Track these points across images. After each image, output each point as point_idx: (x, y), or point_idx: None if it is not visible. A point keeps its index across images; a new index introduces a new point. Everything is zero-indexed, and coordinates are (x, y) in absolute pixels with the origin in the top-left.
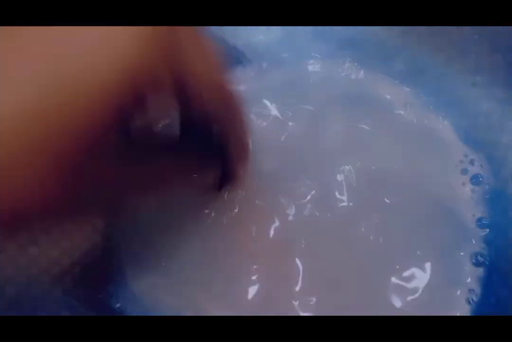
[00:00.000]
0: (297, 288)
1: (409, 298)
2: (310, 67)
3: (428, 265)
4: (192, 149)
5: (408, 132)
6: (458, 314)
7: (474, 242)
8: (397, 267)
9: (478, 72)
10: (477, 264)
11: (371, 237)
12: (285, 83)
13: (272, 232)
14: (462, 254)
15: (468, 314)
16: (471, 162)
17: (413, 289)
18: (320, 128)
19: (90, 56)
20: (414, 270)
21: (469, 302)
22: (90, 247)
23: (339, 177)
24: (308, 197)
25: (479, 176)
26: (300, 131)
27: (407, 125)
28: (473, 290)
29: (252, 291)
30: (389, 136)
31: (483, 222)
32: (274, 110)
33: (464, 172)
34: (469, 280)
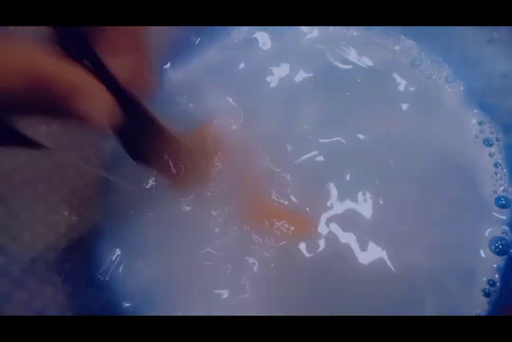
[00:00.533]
0: None
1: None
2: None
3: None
4: None
5: (413, 93)
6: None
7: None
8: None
9: (495, 27)
10: None
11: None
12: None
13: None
14: None
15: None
16: (483, 130)
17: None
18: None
19: None
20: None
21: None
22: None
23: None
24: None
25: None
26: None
27: (412, 85)
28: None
29: None
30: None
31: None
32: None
33: (478, 139)
34: None
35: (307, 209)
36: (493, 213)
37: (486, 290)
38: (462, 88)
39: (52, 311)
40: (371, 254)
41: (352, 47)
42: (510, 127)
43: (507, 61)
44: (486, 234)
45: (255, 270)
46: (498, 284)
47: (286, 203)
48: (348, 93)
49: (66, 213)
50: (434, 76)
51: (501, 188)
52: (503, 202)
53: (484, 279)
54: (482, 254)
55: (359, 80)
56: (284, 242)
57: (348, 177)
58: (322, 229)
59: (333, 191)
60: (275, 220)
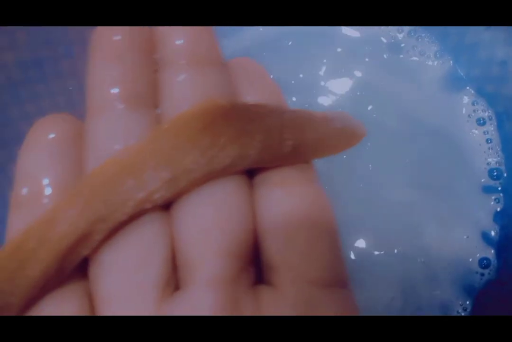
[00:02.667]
0: None
1: None
2: None
3: None
4: None
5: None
6: None
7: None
8: None
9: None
10: None
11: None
12: None
13: None
14: None
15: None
16: (483, 119)
17: None
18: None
19: None
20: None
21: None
22: None
23: None
24: None
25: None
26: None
27: (408, 72)
28: None
29: None
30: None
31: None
32: None
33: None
34: None
35: None
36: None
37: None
38: (459, 71)
39: None
40: (363, 225)
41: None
42: (508, 114)
43: (506, 47)
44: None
45: None
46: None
47: None
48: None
49: None
50: (426, 55)
51: (494, 160)
52: (496, 174)
53: (478, 255)
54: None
55: (367, 59)
56: None
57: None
58: None
59: None
60: None
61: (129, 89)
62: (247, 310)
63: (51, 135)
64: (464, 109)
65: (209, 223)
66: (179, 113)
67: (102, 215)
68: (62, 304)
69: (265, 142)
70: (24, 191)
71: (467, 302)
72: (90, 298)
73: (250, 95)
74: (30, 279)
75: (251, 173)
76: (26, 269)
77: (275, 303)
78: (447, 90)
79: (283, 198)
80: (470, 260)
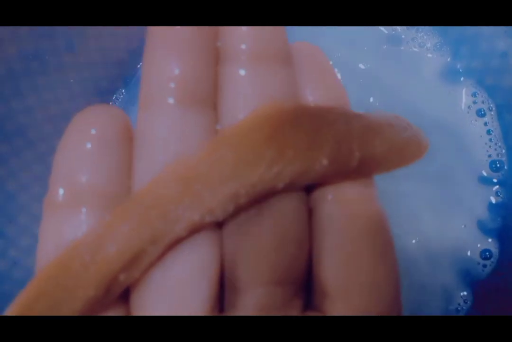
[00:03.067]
0: None
1: None
2: None
3: None
4: None
5: (410, 70)
6: None
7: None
8: None
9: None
10: None
11: None
12: None
13: None
14: None
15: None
16: (483, 113)
17: None
18: None
19: None
20: None
21: None
22: None
23: None
24: None
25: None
26: None
27: (408, 64)
28: None
29: None
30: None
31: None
32: None
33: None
34: None
35: None
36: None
37: (484, 255)
38: (459, 63)
39: None
40: None
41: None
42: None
43: (506, 39)
44: (481, 198)
45: None
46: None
47: None
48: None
49: None
50: (426, 47)
51: (495, 152)
52: (497, 165)
53: (479, 245)
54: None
55: (366, 50)
56: None
57: None
58: None
59: None
60: None
61: (187, 86)
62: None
63: (93, 131)
64: (464, 101)
65: (265, 245)
66: (241, 119)
67: (157, 234)
68: None
69: (333, 155)
70: (60, 193)
71: (467, 293)
72: None
73: (313, 94)
74: (71, 309)
75: (308, 188)
76: (69, 298)
77: None
78: (447, 81)
79: (344, 220)
80: (470, 251)
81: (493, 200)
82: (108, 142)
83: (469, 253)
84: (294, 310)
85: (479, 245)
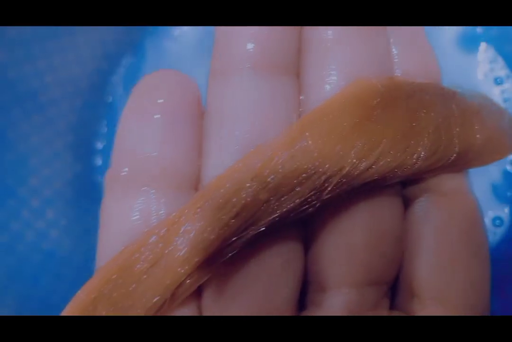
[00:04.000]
0: None
1: None
2: None
3: None
4: None
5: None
6: None
7: None
8: None
9: None
10: None
11: None
12: None
13: None
14: None
15: None
16: (500, 81)
17: None
18: None
19: None
20: None
21: None
22: None
23: None
24: None
25: None
26: None
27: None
28: None
29: None
30: None
31: None
32: None
33: None
34: None
35: None
36: None
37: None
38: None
39: (60, 254)
40: None
41: None
42: None
43: None
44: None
45: None
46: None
47: None
48: None
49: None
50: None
51: None
52: None
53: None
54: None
55: None
56: None
57: None
58: None
59: None
60: None
61: (266, 50)
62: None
63: (160, 101)
64: (481, 68)
65: (357, 243)
66: (326, 100)
67: (237, 227)
68: None
69: (432, 145)
70: (124, 169)
71: None
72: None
73: (403, 67)
74: (139, 309)
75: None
76: (132, 304)
77: None
78: (464, 48)
79: (441, 219)
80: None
81: (508, 168)
82: (176, 113)
83: None
84: (383, 310)
85: (490, 212)
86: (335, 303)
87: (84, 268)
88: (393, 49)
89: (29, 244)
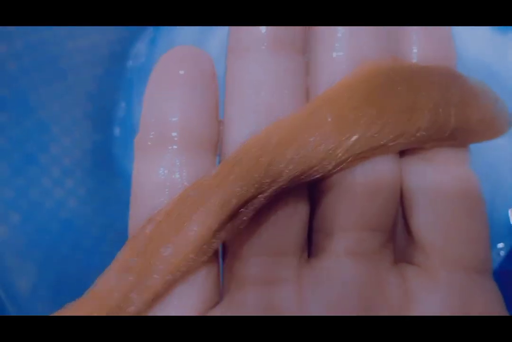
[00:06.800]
0: None
1: None
2: None
3: None
4: None
5: None
6: None
7: None
8: None
9: None
10: None
11: None
12: None
13: None
14: None
15: None
16: None
17: None
18: None
19: None
20: None
21: None
22: None
23: None
24: None
25: None
26: None
27: None
28: None
29: None
30: None
31: None
32: None
33: None
34: None
35: None
36: None
37: None
38: None
39: (78, 223)
40: None
41: None
42: None
43: None
44: None
45: None
46: None
47: None
48: None
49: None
50: None
51: None
52: None
53: None
54: None
55: None
56: None
57: None
58: None
59: None
60: None
61: (278, 30)
62: (393, 287)
63: (181, 72)
64: None
65: (357, 193)
66: (338, 80)
67: (267, 184)
68: (192, 289)
69: (430, 120)
70: (150, 132)
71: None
72: (218, 278)
73: (420, 52)
74: (166, 270)
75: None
76: (163, 260)
77: (426, 286)
78: (499, 31)
79: (435, 175)
80: None
81: None
82: (196, 84)
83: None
84: (387, 259)
85: None
86: (339, 246)
87: (101, 238)
88: (412, 35)
89: (47, 212)
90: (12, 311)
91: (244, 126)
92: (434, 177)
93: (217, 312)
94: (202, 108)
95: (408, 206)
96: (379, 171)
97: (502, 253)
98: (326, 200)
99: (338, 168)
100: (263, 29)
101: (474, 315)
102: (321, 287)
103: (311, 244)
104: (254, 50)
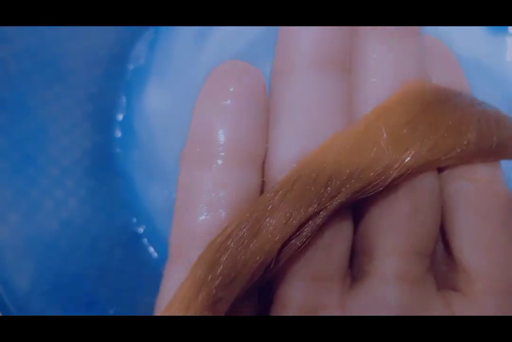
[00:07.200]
0: None
1: None
2: None
3: None
4: None
5: None
6: None
7: None
8: None
9: None
10: None
11: None
12: None
13: None
14: None
15: None
16: None
17: None
18: None
19: None
20: None
21: None
22: None
23: None
24: None
25: None
26: None
27: None
28: None
29: None
30: None
31: None
32: None
33: None
34: None
35: None
36: None
37: None
38: None
39: (77, 223)
40: None
41: None
42: None
43: None
44: None
45: None
46: None
47: None
48: None
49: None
50: None
51: None
52: None
53: None
54: None
55: None
56: None
57: None
58: None
59: None
60: None
61: (324, 51)
62: (438, 314)
63: (232, 89)
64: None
65: (402, 216)
66: (389, 96)
67: (319, 205)
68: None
69: (477, 134)
70: (197, 146)
71: None
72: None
73: (436, 77)
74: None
75: (440, 168)
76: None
77: (469, 312)
78: (494, 31)
79: (476, 197)
80: None
81: None
82: (245, 100)
83: None
84: (432, 286)
85: None
86: (385, 271)
87: (101, 237)
88: (428, 64)
89: (47, 212)
90: (11, 309)
91: (290, 147)
92: (475, 194)
93: None
94: (250, 125)
95: (449, 226)
96: (421, 189)
97: None
98: (369, 221)
99: (396, 182)
100: (306, 50)
101: None
102: (363, 311)
103: (353, 268)
104: (298, 70)
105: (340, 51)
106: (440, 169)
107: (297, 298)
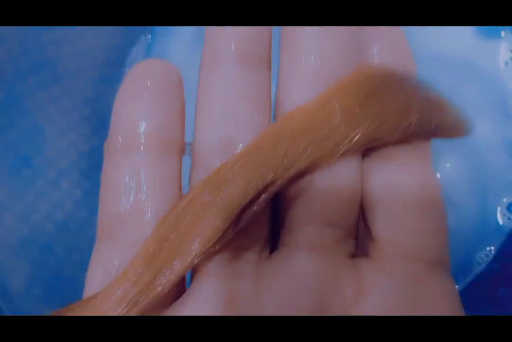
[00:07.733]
0: None
1: None
2: None
3: None
4: None
5: None
6: None
7: None
8: None
9: None
10: None
11: None
12: None
13: None
14: None
15: None
16: None
17: None
18: None
19: None
20: None
21: None
22: None
23: None
24: None
25: None
26: None
27: None
28: None
29: None
30: None
31: None
32: None
33: None
34: None
35: None
36: None
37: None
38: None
39: (73, 225)
40: None
41: None
42: None
43: None
44: None
45: None
46: None
47: None
48: None
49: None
50: None
51: None
52: None
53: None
54: None
55: None
56: None
57: None
58: None
59: None
60: None
61: (244, 47)
62: (346, 279)
63: (149, 83)
64: (502, 56)
65: (316, 190)
66: (342, 78)
67: (276, 175)
68: None
69: (419, 116)
70: (119, 138)
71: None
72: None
73: (386, 59)
74: (202, 244)
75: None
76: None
77: (378, 278)
78: (485, 35)
79: (395, 174)
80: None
81: None
82: (161, 92)
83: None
84: (345, 253)
85: (505, 199)
86: (298, 240)
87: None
88: (374, 49)
89: (43, 214)
90: (5, 310)
91: (211, 134)
92: (395, 175)
93: (180, 304)
94: (167, 115)
95: (366, 202)
96: (337, 173)
97: (491, 252)
98: (289, 197)
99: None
100: (232, 44)
101: (422, 315)
102: (277, 279)
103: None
104: (223, 65)
105: (260, 48)
106: (365, 151)
107: (214, 267)
